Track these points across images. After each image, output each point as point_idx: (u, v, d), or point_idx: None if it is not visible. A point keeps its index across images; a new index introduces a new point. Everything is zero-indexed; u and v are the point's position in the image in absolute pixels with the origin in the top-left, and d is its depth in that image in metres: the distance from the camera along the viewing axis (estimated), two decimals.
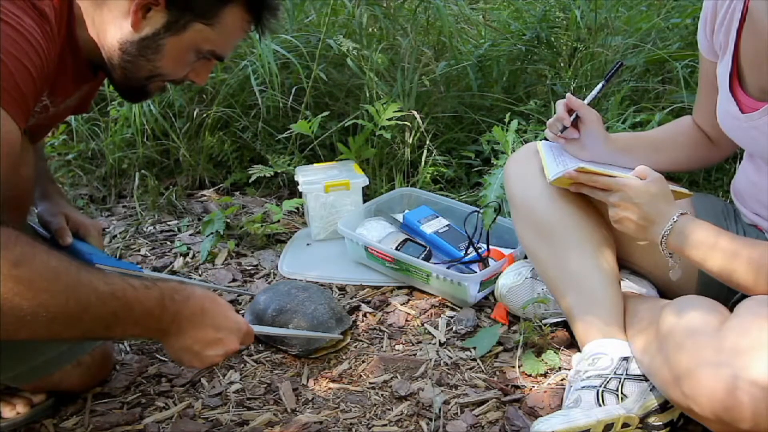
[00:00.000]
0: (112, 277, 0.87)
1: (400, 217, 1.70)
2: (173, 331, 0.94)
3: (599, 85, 1.30)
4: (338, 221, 1.65)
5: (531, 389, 1.21)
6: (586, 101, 1.26)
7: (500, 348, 1.32)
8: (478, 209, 1.58)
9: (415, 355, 1.32)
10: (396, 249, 1.56)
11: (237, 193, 2.06)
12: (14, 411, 1.15)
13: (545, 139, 1.34)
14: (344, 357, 1.32)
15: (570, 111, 1.25)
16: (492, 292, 1.46)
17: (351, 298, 1.51)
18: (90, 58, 1.03)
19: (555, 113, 1.28)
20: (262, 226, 1.76)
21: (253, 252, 1.74)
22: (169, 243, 1.81)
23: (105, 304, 0.84)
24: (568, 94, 1.25)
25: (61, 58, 0.96)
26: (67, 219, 1.22)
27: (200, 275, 1.63)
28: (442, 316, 1.43)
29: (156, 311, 0.91)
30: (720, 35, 1.13)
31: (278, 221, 1.82)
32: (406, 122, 1.88)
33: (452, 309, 1.46)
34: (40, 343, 1.12)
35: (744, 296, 0.99)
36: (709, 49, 1.18)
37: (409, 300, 1.51)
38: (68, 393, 1.20)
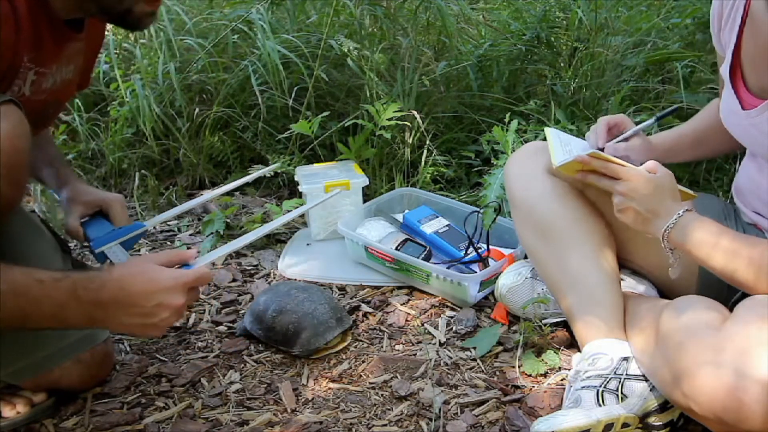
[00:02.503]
0: (15, 274, 0.88)
1: (400, 217, 1.70)
2: (101, 317, 0.93)
3: (649, 121, 1.28)
4: (338, 221, 1.65)
5: (531, 389, 1.21)
6: (631, 131, 1.24)
7: (500, 348, 1.32)
8: (478, 209, 1.58)
9: (415, 355, 1.32)
10: (396, 249, 1.56)
11: (237, 193, 2.06)
12: (14, 410, 1.15)
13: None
14: (344, 357, 1.32)
15: (611, 131, 1.25)
16: (492, 292, 1.46)
17: (351, 298, 1.51)
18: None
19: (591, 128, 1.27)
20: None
21: (253, 252, 1.74)
22: (169, 243, 1.81)
23: (6, 303, 0.86)
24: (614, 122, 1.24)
25: (31, 14, 0.96)
26: (88, 203, 1.27)
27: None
28: (442, 316, 1.43)
29: (71, 303, 0.90)
30: (725, 33, 1.14)
31: None
32: (406, 122, 1.88)
33: (452, 309, 1.46)
34: (40, 339, 1.12)
35: (744, 296, 0.99)
36: (721, 47, 1.19)
37: (409, 300, 1.51)
38: (68, 391, 1.20)
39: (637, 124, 1.27)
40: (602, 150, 1.21)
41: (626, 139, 1.23)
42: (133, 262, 1.00)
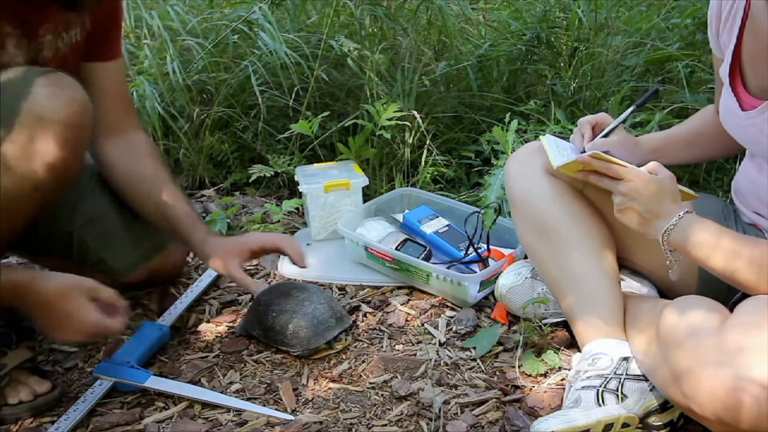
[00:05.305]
0: None
1: (400, 217, 1.70)
2: (31, 314, 1.10)
3: (629, 110, 1.28)
4: (338, 221, 1.65)
5: (531, 389, 1.21)
6: (611, 126, 1.24)
7: (500, 348, 1.32)
8: (478, 210, 1.58)
9: (415, 355, 1.32)
10: (396, 249, 1.56)
11: (237, 193, 2.06)
12: (17, 398, 1.15)
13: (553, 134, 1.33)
14: (344, 357, 1.32)
15: (594, 130, 1.25)
16: (492, 292, 1.46)
17: (351, 298, 1.51)
18: None
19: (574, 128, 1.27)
20: (262, 226, 1.76)
21: None
22: None
23: None
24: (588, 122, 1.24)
25: None
26: (248, 250, 1.36)
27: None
28: (442, 316, 1.43)
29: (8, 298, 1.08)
30: (724, 34, 1.14)
31: (278, 221, 1.82)
32: (406, 122, 1.88)
33: (452, 309, 1.46)
34: (143, 232, 1.40)
35: (744, 296, 0.99)
36: (718, 48, 1.19)
37: (409, 300, 1.51)
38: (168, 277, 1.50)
39: (633, 127, 1.26)
40: (583, 151, 1.22)
41: (606, 135, 1.23)
42: (64, 289, 1.11)
